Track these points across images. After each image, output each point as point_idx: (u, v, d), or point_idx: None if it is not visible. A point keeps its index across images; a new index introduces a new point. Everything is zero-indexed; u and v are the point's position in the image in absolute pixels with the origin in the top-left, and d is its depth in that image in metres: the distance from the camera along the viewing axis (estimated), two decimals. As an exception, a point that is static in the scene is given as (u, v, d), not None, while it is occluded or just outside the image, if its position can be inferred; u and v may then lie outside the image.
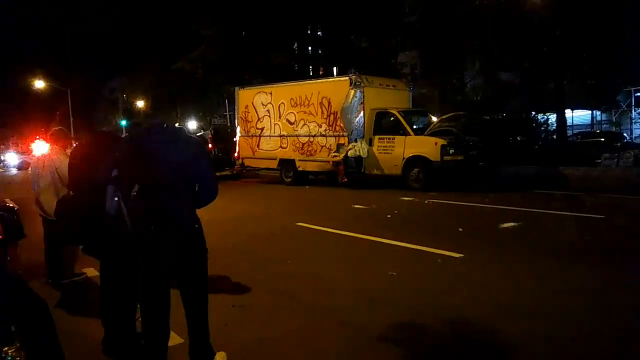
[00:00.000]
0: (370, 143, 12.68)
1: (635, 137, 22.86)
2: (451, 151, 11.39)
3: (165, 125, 3.01)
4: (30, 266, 4.89)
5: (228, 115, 32.45)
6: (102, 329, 3.40)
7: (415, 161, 11.81)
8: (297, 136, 14.24)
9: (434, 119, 13.45)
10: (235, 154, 16.25)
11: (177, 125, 3.26)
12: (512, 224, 7.51)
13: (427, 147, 11.63)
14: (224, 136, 18.32)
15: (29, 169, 5.69)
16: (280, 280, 5.05)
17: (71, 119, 35.54)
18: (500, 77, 20.51)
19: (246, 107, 15.85)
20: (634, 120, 25.36)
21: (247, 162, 16.15)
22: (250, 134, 15.71)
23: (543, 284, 4.64)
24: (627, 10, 16.49)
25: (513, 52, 18.53)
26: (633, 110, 25.28)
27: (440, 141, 11.47)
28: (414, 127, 12.44)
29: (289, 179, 14.60)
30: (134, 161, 2.81)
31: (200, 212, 3.00)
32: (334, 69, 25.91)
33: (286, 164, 14.64)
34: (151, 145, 2.84)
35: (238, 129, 16.19)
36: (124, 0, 35.52)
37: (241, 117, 16.07)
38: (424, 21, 21.01)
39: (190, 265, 2.94)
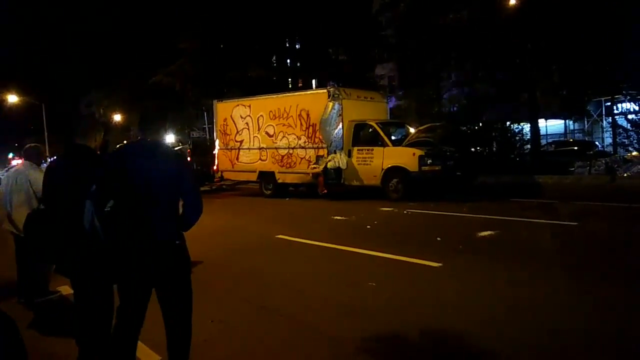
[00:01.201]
0: (349, 154, 12.76)
1: (607, 146, 23.50)
2: (429, 161, 11.53)
3: (148, 139, 2.98)
4: (1, 285, 4.76)
5: (207, 129, 32.26)
6: (77, 348, 3.32)
7: (393, 172, 11.92)
8: (276, 148, 14.24)
9: (412, 130, 13.63)
10: (215, 167, 16.16)
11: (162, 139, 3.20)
12: (489, 232, 7.62)
13: (405, 157, 11.76)
14: (203, 150, 18.19)
15: (1, 185, 5.56)
16: (260, 294, 5.02)
17: (46, 133, 34.87)
18: (475, 89, 20.93)
19: (225, 120, 15.82)
20: (604, 129, 26.10)
21: (226, 175, 16.07)
22: (229, 147, 15.65)
23: (521, 292, 4.71)
24: (594, 24, 17.04)
25: (486, 65, 18.96)
26: (604, 119, 26.03)
27: (418, 152, 11.61)
28: (392, 138, 12.59)
29: (269, 191, 14.57)
30: (111, 177, 2.81)
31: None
32: (313, 81, 26.08)
33: (266, 176, 14.61)
34: (131, 160, 2.83)
35: (217, 142, 16.13)
36: (101, 13, 35.18)
37: (220, 130, 16.01)
38: (399, 35, 21.35)
39: (172, 282, 2.89)
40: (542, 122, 22.32)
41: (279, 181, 14.26)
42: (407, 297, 4.73)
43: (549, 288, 4.78)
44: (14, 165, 5.36)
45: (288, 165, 13.98)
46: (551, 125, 27.38)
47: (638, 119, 18.57)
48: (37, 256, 3.54)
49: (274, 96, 15.27)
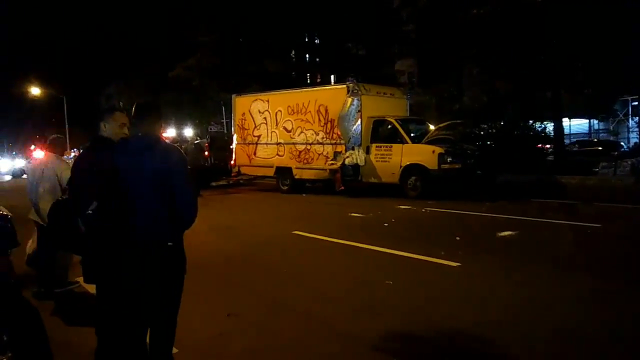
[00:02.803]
0: (367, 151, 12.68)
1: (633, 146, 22.94)
2: (449, 159, 11.38)
3: (140, 134, 2.80)
4: (22, 274, 4.83)
5: (225, 123, 32.44)
6: (96, 338, 3.35)
7: (412, 169, 11.80)
8: (294, 144, 14.23)
9: (432, 127, 13.47)
10: (232, 162, 16.24)
11: (159, 134, 3.00)
12: (509, 232, 7.49)
13: (425, 155, 11.63)
14: (221, 144, 18.27)
15: (25, 175, 5.65)
16: (276, 289, 5.01)
17: (67, 126, 35.53)
18: (497, 86, 20.57)
19: (243, 114, 15.86)
20: (631, 129, 25.47)
21: (243, 170, 16.13)
22: (247, 142, 15.69)
23: (540, 294, 4.61)
24: (621, 21, 16.60)
25: (509, 62, 18.62)
26: (630, 119, 25.41)
27: (438, 149, 11.47)
28: (412, 135, 12.44)
29: (286, 187, 14.57)
30: (96, 175, 2.70)
31: (196, 220, 2.90)
32: (332, 76, 26.00)
33: (283, 172, 14.61)
34: (119, 157, 2.71)
35: (235, 137, 16.19)
36: (121, 6, 35.60)
37: (238, 125, 16.06)
38: (420, 30, 21.10)
39: (160, 286, 2.68)
40: (565, 121, 21.88)
41: (296, 177, 14.25)
42: (423, 296, 4.68)
43: (569, 290, 4.67)
44: (37, 156, 5.43)
45: (305, 161, 13.96)
46: (575, 125, 26.82)
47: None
48: (59, 245, 3.57)
49: (293, 91, 15.26)
